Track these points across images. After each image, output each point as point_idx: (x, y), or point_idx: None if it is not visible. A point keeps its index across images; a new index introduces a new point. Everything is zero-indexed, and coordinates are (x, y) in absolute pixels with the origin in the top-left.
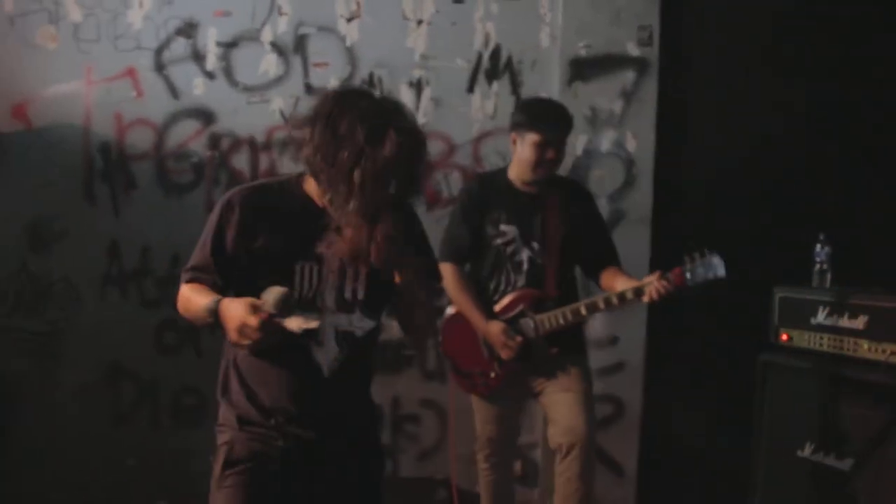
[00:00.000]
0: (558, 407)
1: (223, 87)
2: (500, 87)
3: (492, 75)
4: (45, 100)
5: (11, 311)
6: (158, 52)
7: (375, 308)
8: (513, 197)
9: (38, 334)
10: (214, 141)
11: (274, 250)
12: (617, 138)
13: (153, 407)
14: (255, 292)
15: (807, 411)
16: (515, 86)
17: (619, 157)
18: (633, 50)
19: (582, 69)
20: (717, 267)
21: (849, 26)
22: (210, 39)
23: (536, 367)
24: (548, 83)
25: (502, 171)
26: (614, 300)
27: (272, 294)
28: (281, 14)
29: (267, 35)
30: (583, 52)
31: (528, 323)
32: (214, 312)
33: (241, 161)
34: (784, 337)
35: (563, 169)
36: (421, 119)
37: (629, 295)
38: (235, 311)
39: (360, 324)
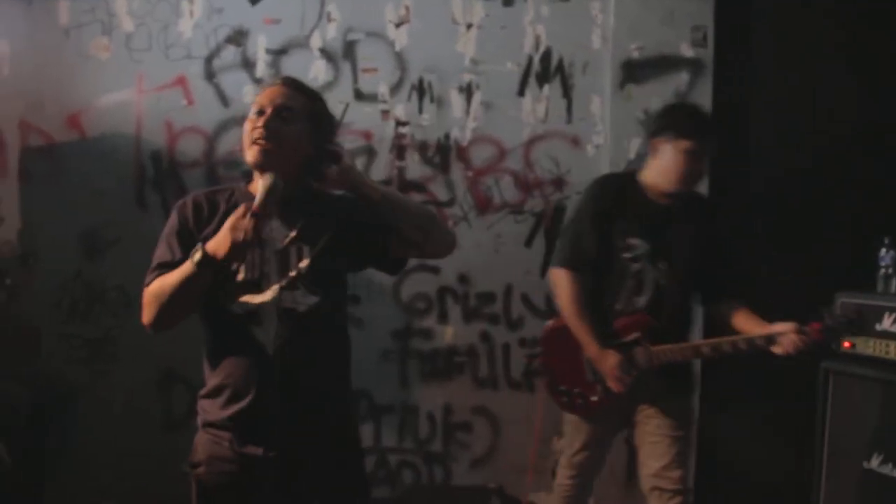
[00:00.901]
0: (660, 450)
1: None
2: (552, 90)
3: (542, 78)
4: (98, 109)
5: (67, 318)
6: (209, 60)
7: (320, 283)
8: (645, 207)
9: (91, 341)
10: None
11: None
12: None
13: None
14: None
15: (872, 421)
16: (566, 89)
17: None
18: (687, 51)
19: (634, 71)
20: (856, 325)
21: None
22: (259, 47)
23: (640, 397)
24: (600, 86)
25: (632, 176)
26: (742, 345)
27: (260, 185)
28: (330, 20)
29: (316, 41)
30: (635, 54)
31: (642, 354)
32: (201, 251)
33: None
34: (847, 344)
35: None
36: (471, 124)
37: (760, 342)
38: (224, 224)
39: (302, 299)
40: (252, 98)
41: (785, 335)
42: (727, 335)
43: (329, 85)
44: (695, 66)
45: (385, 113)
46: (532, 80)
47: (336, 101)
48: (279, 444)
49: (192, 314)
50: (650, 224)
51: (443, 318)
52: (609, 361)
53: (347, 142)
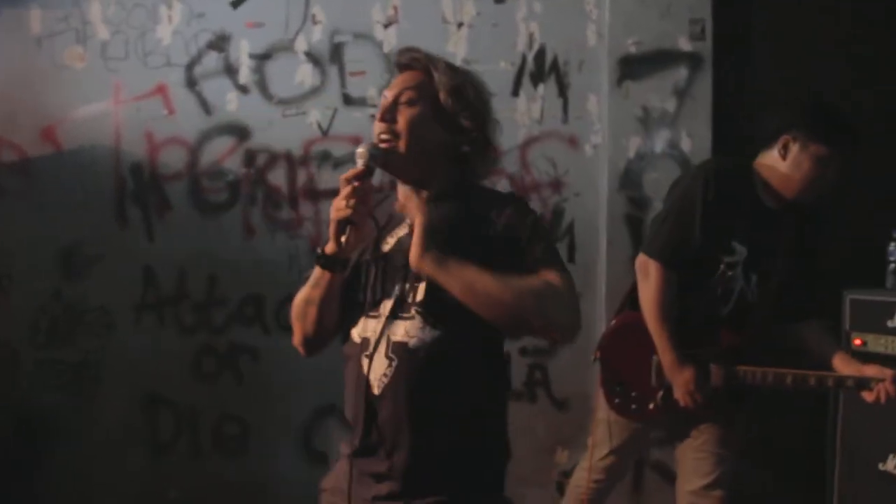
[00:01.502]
0: (705, 468)
1: (257, 101)
2: (547, 89)
3: (537, 77)
4: (74, 121)
5: (46, 341)
6: (189, 67)
7: (441, 314)
8: (754, 206)
9: (72, 364)
10: (250, 157)
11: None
12: (671, 139)
13: (193, 437)
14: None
15: (886, 421)
16: (562, 87)
17: (675, 158)
18: (686, 45)
19: (632, 67)
20: None
21: None
22: (242, 52)
23: (703, 416)
24: (596, 83)
25: (747, 168)
26: (829, 382)
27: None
28: (315, 23)
29: (301, 45)
30: (632, 49)
31: (718, 372)
32: (321, 255)
33: (278, 177)
34: (857, 342)
35: (615, 172)
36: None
37: (850, 384)
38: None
39: (416, 332)
40: (235, 106)
41: (880, 382)
42: (798, 358)
43: (316, 90)
44: (694, 60)
45: (374, 118)
46: (526, 80)
47: (323, 107)
48: (387, 496)
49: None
50: (756, 228)
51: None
52: (684, 375)
53: (336, 149)
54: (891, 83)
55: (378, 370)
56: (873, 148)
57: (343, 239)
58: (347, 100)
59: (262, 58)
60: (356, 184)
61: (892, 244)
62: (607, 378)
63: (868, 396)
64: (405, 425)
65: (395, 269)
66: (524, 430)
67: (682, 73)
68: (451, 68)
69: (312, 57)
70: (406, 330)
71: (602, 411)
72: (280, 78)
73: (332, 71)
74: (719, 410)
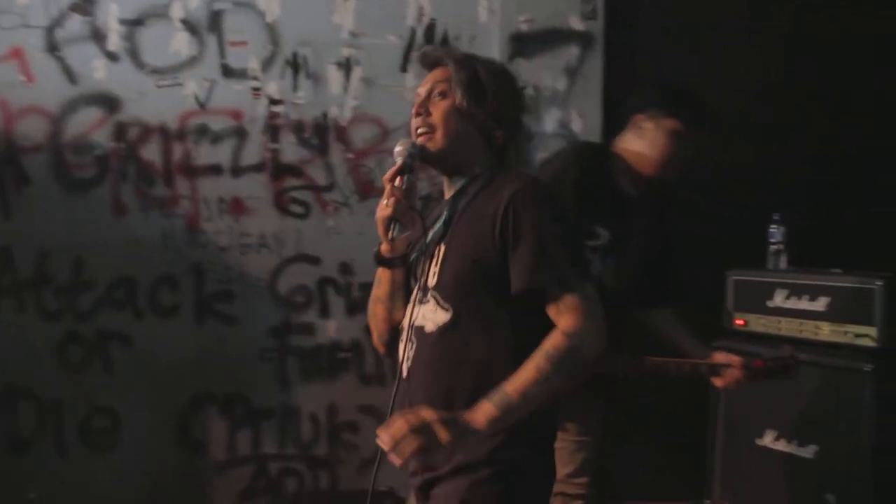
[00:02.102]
0: (565, 456)
1: (128, 70)
2: None
3: None
4: None
5: None
6: (50, 30)
7: (452, 296)
8: (613, 191)
9: None
10: (120, 130)
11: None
12: (562, 118)
13: (57, 431)
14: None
15: (765, 398)
16: None
17: (565, 138)
18: (577, 24)
19: (523, 45)
20: (794, 365)
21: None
22: (111, 16)
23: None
24: None
25: (608, 151)
26: (686, 368)
27: None
28: None
29: (177, 11)
30: (524, 27)
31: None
32: (377, 254)
33: (151, 152)
34: (740, 322)
35: None
36: (351, 102)
37: (703, 370)
38: None
39: (431, 315)
40: (103, 74)
41: (730, 370)
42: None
43: (193, 60)
44: (585, 39)
45: (256, 90)
46: (415, 55)
47: (201, 78)
48: (416, 477)
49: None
50: (615, 211)
51: (324, 311)
52: None
53: (215, 122)
54: (782, 60)
55: (405, 354)
56: (757, 131)
57: (389, 236)
58: (227, 71)
59: (133, 24)
60: (396, 181)
61: (773, 226)
62: None
63: (718, 382)
64: (432, 385)
65: (426, 256)
66: None
67: (573, 52)
68: (464, 60)
69: (189, 24)
70: (423, 314)
71: None
72: (153, 46)
73: (211, 40)
74: (574, 402)
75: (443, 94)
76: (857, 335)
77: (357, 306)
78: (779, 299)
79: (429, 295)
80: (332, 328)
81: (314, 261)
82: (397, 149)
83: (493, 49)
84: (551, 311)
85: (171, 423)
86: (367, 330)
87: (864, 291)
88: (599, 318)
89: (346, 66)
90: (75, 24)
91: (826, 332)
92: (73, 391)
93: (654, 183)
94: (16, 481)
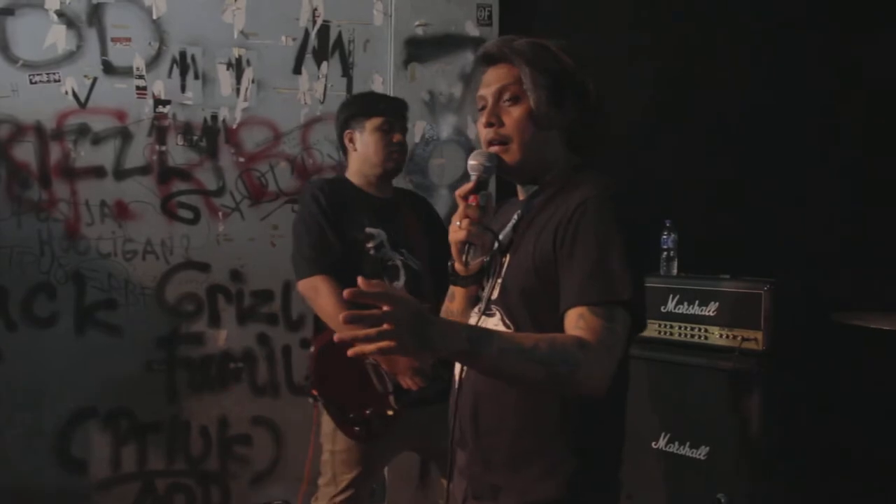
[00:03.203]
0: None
1: None
2: (331, 67)
3: (320, 55)
4: None
5: None
6: None
7: (516, 311)
8: (367, 201)
9: None
10: None
11: None
12: (457, 124)
13: None
14: None
15: (660, 402)
16: (346, 67)
17: (461, 144)
18: (473, 30)
19: (419, 49)
20: None
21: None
22: None
23: (435, 394)
24: (382, 64)
25: (344, 179)
26: None
27: None
28: None
29: (52, 2)
30: (419, 31)
31: None
32: (451, 272)
33: (25, 152)
34: None
35: None
36: (242, 104)
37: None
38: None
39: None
40: None
41: None
42: None
43: (71, 55)
44: (480, 45)
45: (141, 90)
46: (309, 57)
47: (80, 75)
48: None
49: None
50: (380, 214)
51: (214, 320)
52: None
53: (96, 122)
54: (673, 65)
55: (460, 367)
56: (650, 136)
57: (464, 260)
58: (109, 68)
59: (1, 13)
60: (471, 200)
61: (665, 232)
62: (337, 413)
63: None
64: (469, 424)
65: (492, 266)
66: (307, 426)
67: (468, 57)
68: (537, 57)
69: (66, 17)
70: (487, 326)
71: (327, 449)
72: (26, 38)
73: (91, 34)
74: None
75: (515, 99)
76: (745, 339)
77: (248, 315)
78: (671, 304)
79: (493, 308)
80: (223, 337)
81: (203, 268)
82: (471, 162)
83: (388, 53)
84: (570, 320)
85: (49, 442)
86: (260, 338)
87: (750, 297)
88: (615, 358)
89: (236, 67)
90: None
91: (716, 336)
92: None
93: (399, 191)
94: None
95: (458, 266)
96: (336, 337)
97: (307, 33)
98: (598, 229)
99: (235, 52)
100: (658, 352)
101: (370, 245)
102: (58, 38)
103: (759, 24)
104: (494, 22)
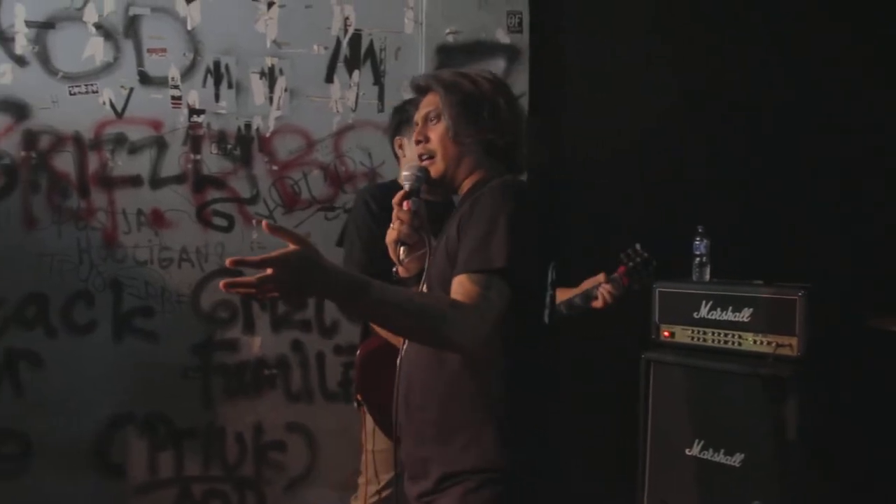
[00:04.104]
0: None
1: (38, 75)
2: (362, 76)
3: (352, 64)
4: None
5: None
6: None
7: None
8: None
9: None
10: (30, 139)
11: None
12: None
13: None
14: None
15: (693, 408)
16: (378, 75)
17: None
18: (503, 37)
19: (450, 57)
20: (652, 263)
21: (725, 13)
22: (18, 18)
23: None
24: (413, 72)
25: (395, 186)
26: (563, 309)
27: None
28: None
29: (91, 15)
30: (450, 39)
31: None
32: (394, 275)
33: (65, 161)
34: (666, 333)
35: None
36: (275, 113)
37: (578, 302)
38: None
39: None
40: (10, 79)
41: (598, 288)
42: None
43: (109, 66)
44: (511, 52)
45: (176, 100)
46: (341, 65)
47: (117, 86)
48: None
49: None
50: (431, 218)
51: (249, 327)
52: None
53: (133, 132)
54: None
55: (402, 349)
56: (681, 143)
57: (398, 258)
58: (145, 79)
59: (43, 26)
60: (404, 206)
61: (697, 238)
62: (378, 413)
63: (596, 304)
64: (403, 403)
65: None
66: (341, 431)
67: (499, 64)
68: (452, 82)
69: (104, 29)
70: None
71: (368, 448)
72: (65, 51)
73: (127, 46)
74: None
75: (437, 118)
76: (780, 345)
77: (282, 322)
78: (704, 310)
79: None
80: (257, 344)
81: (238, 275)
82: (404, 173)
83: (420, 61)
84: (454, 286)
85: (88, 447)
86: (294, 345)
87: (785, 302)
88: (487, 322)
89: (269, 76)
90: None
91: (749, 342)
92: None
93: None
94: None
95: (399, 268)
96: (221, 284)
97: (339, 42)
98: (487, 211)
99: (268, 62)
100: (691, 358)
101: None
102: (96, 50)
103: (795, 22)
104: (525, 29)
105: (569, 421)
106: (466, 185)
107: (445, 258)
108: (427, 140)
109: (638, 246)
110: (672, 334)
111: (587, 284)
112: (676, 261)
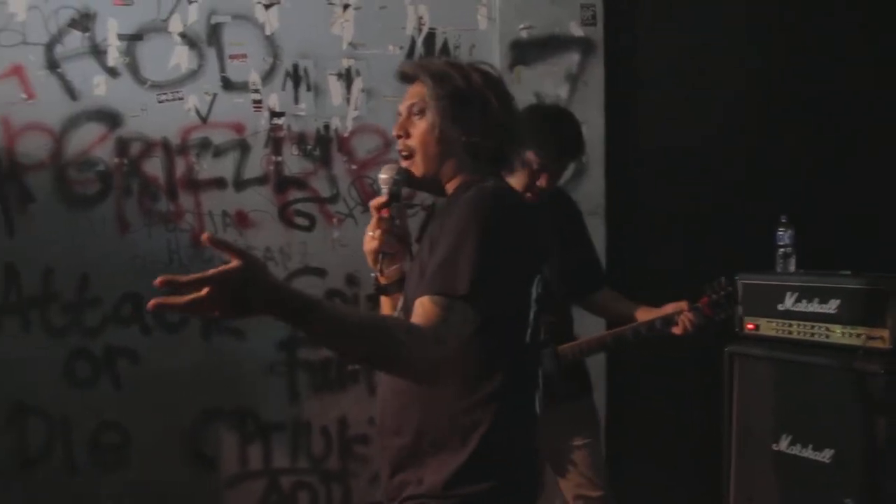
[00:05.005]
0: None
1: (129, 85)
2: None
3: None
4: None
5: None
6: (49, 47)
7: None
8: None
9: None
10: (122, 146)
11: None
12: None
13: (66, 449)
14: None
15: (779, 402)
16: None
17: None
18: (577, 30)
19: (524, 52)
20: (734, 296)
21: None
22: (110, 32)
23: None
24: None
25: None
26: (643, 330)
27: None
28: (190, 2)
29: (176, 25)
30: (524, 34)
31: (548, 355)
32: (374, 283)
33: (154, 166)
34: (750, 326)
35: None
36: (352, 113)
37: (659, 325)
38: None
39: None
40: (104, 90)
41: (680, 315)
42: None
43: (193, 73)
44: (585, 45)
45: (257, 103)
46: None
47: (201, 92)
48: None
49: None
50: None
51: None
52: None
53: (217, 136)
54: (780, 61)
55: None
56: (761, 132)
57: (378, 269)
58: (227, 84)
59: (132, 38)
60: (383, 212)
61: (781, 228)
62: None
63: (676, 330)
64: (380, 427)
65: None
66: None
67: (574, 58)
68: (441, 73)
69: (188, 38)
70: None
71: None
72: (153, 60)
73: (210, 53)
74: (563, 397)
75: (421, 113)
76: (870, 337)
77: None
78: (789, 302)
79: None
80: None
81: (320, 273)
82: (382, 176)
83: (494, 57)
84: (415, 307)
85: (181, 439)
86: None
87: (875, 293)
88: (444, 350)
89: (346, 78)
90: (75, 40)
91: (838, 334)
92: (81, 408)
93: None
94: (25, 499)
95: (379, 276)
96: (149, 305)
97: (413, 42)
98: (458, 226)
99: (345, 63)
100: (776, 351)
101: None
102: (181, 58)
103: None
104: (598, 21)
105: (652, 417)
106: (450, 188)
107: (419, 272)
108: (407, 136)
109: (723, 279)
110: (756, 327)
111: (669, 309)
112: (759, 252)
